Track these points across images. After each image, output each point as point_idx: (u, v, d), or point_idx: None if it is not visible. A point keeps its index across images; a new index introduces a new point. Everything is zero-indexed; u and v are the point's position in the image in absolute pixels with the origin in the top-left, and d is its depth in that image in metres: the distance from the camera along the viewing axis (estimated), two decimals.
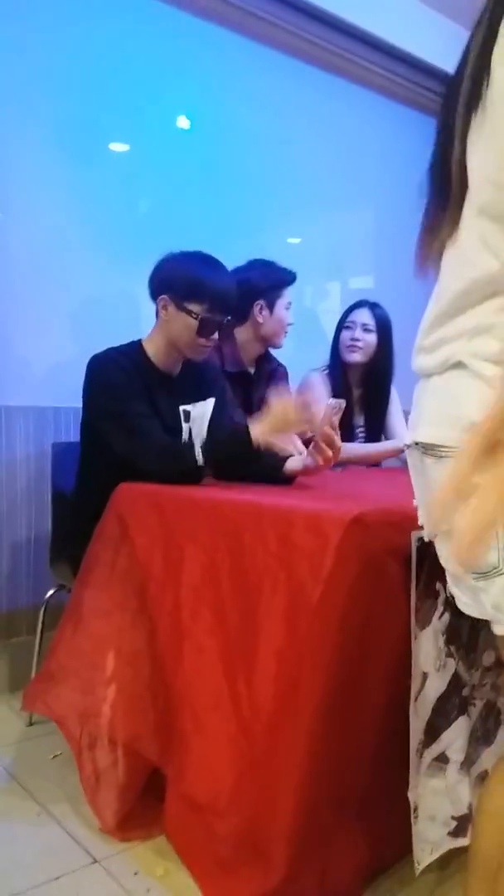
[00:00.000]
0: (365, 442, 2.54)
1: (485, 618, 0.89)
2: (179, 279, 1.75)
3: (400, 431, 2.53)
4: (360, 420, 2.56)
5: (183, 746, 1.33)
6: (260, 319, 2.20)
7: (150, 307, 1.86)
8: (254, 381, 2.28)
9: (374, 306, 2.49)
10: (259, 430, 1.63)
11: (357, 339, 2.44)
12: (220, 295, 1.76)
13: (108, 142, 2.44)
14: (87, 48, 2.32)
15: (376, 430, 2.56)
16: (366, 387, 2.54)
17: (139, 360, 1.81)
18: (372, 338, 2.46)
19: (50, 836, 1.50)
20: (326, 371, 2.50)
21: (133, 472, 1.64)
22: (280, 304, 2.21)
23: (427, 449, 0.86)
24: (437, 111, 3.80)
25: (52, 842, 1.48)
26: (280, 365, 2.38)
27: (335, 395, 2.41)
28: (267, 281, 2.19)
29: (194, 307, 1.74)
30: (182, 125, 2.63)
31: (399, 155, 3.39)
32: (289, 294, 2.23)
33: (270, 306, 2.20)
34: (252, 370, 2.29)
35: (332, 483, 1.78)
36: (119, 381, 1.74)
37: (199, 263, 1.77)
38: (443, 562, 0.94)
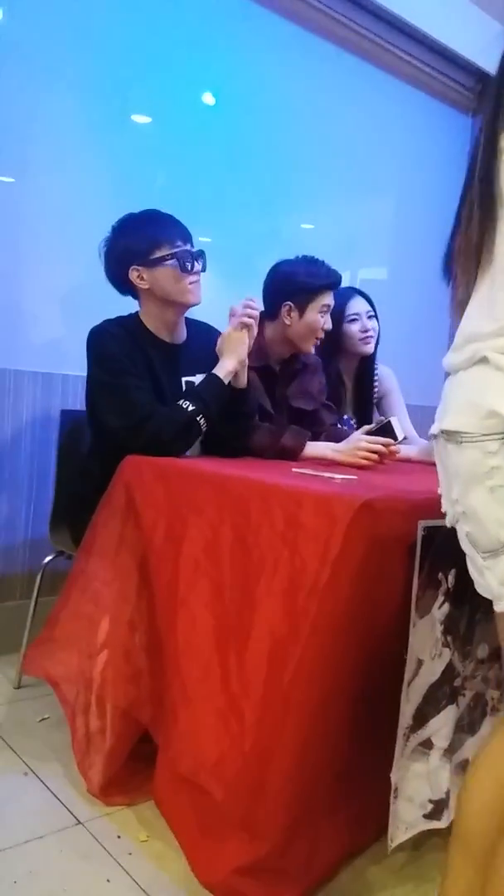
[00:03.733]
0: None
1: (489, 596, 0.92)
2: (134, 245, 1.76)
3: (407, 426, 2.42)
4: (349, 411, 2.45)
5: (172, 715, 1.34)
6: (287, 321, 2.03)
7: None
8: (278, 377, 2.12)
9: (359, 292, 2.38)
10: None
11: (367, 330, 2.33)
12: (175, 230, 1.77)
13: (130, 112, 2.42)
14: (117, 16, 2.30)
15: (366, 415, 2.45)
16: (357, 376, 2.43)
17: (138, 332, 1.81)
18: (375, 324, 2.35)
19: (35, 796, 1.52)
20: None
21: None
22: (312, 308, 2.02)
23: (450, 436, 0.91)
24: (468, 107, 3.73)
25: (37, 802, 1.50)
26: (312, 361, 2.20)
27: (332, 388, 2.31)
28: (301, 282, 2.01)
29: (163, 252, 1.75)
30: (207, 101, 2.61)
31: (425, 148, 3.36)
32: (329, 297, 2.04)
33: (301, 309, 2.02)
34: (277, 368, 2.13)
35: (337, 468, 1.78)
36: (114, 353, 1.73)
37: (139, 222, 1.79)
38: (461, 543, 0.96)
